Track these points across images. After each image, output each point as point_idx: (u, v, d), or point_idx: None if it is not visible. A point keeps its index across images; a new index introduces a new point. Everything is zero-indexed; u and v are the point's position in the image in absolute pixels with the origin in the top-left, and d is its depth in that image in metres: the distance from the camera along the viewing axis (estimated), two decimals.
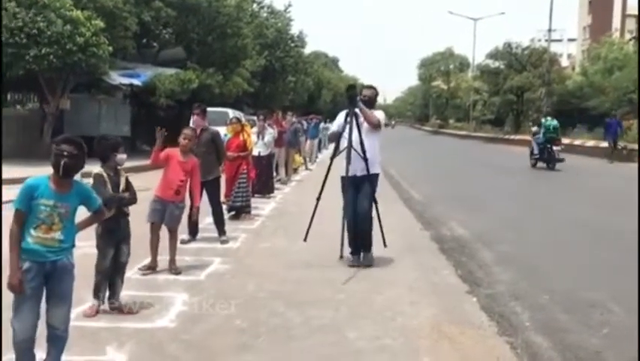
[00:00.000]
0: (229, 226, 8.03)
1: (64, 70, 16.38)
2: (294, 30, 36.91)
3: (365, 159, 6.26)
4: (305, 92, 42.33)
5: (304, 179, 16.28)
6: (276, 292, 5.42)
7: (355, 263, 6.39)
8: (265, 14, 35.13)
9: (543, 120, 21.87)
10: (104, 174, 4.64)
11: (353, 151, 6.24)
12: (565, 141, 31.76)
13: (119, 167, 4.75)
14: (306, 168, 19.08)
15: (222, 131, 8.98)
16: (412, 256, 7.03)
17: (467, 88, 63.88)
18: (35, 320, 3.35)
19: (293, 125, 16.33)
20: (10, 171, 12.09)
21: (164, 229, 6.13)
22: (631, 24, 51.88)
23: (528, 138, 34.12)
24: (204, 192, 7.46)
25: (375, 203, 6.54)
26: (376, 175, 6.55)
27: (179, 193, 6.05)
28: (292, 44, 35.73)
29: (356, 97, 6.36)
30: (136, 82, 20.10)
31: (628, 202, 11.11)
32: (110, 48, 16.84)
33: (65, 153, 3.32)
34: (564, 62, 66.00)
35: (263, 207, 10.53)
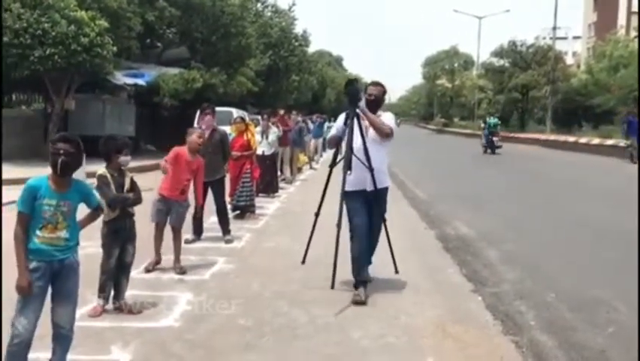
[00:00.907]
0: (233, 225, 8.03)
1: (68, 70, 16.41)
2: (298, 29, 36.94)
3: (370, 169, 5.17)
4: (309, 92, 42.32)
5: (309, 178, 16.29)
6: (280, 291, 5.42)
7: (361, 298, 5.11)
8: (269, 13, 35.12)
9: (488, 119, 29.09)
10: (108, 175, 4.64)
11: (355, 160, 5.16)
12: (570, 139, 31.78)
13: (125, 167, 4.75)
14: (311, 168, 19.09)
15: (226, 130, 8.99)
16: (416, 255, 7.02)
17: (472, 86, 63.80)
18: (36, 321, 3.35)
19: (298, 125, 16.34)
20: (15, 172, 12.14)
21: (168, 228, 6.14)
22: (637, 21, 51.66)
23: (533, 135, 34.03)
24: (209, 192, 7.47)
25: (384, 221, 5.59)
26: (386, 189, 5.55)
27: (184, 192, 6.08)
28: (296, 43, 35.69)
29: (357, 94, 5.23)
30: (140, 82, 20.15)
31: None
32: (115, 48, 16.87)
33: (62, 152, 3.33)
34: (569, 59, 65.82)
35: (267, 206, 10.53)
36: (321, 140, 22.58)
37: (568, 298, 5.48)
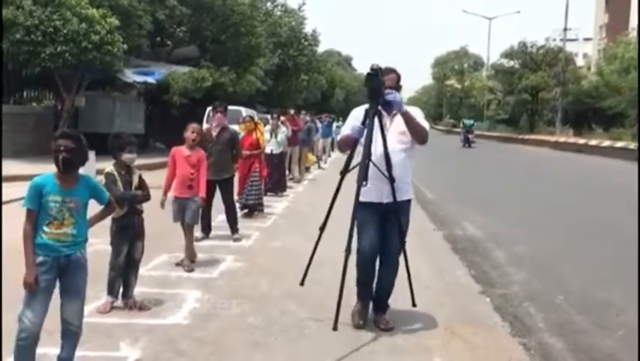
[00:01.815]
0: (242, 224, 8.04)
1: (79, 68, 16.50)
2: (308, 29, 36.94)
3: (390, 180, 4.23)
4: (318, 91, 42.34)
5: (317, 178, 16.29)
6: (288, 290, 5.41)
7: (358, 322, 4.55)
8: (279, 13, 35.15)
9: (464, 121, 37.01)
10: (115, 173, 4.66)
11: (373, 168, 4.22)
12: (580, 141, 31.61)
13: (130, 165, 4.76)
14: (319, 167, 19.08)
15: (236, 130, 9.01)
16: (425, 256, 7.00)
17: (481, 87, 63.64)
18: (44, 315, 3.36)
19: (307, 125, 16.34)
20: (25, 168, 12.22)
21: (172, 227, 6.16)
22: None
23: (542, 137, 33.97)
24: (217, 190, 7.48)
25: (404, 244, 4.56)
26: (408, 202, 4.60)
27: (192, 188, 6.08)
28: (305, 43, 35.69)
29: (380, 87, 4.23)
30: (150, 80, 20.22)
31: None
32: (125, 46, 16.94)
33: (62, 148, 3.34)
34: (579, 61, 65.43)
35: (275, 205, 10.54)
36: (329, 139, 22.60)
37: (577, 300, 5.45)
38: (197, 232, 7.25)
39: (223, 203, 7.62)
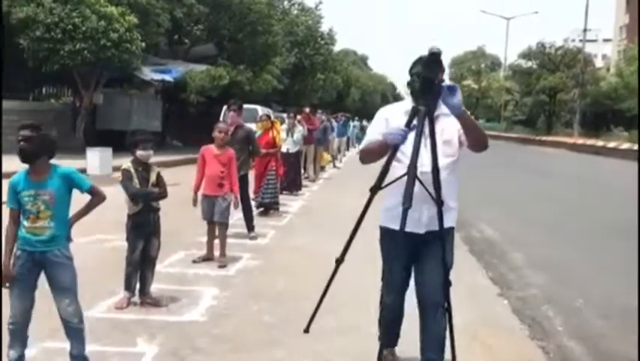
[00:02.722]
0: (258, 222, 8.05)
1: (97, 65, 16.64)
2: (324, 28, 36.90)
3: (438, 202, 3.24)
4: (334, 90, 42.26)
5: (332, 177, 16.28)
6: (305, 289, 5.39)
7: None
8: (296, 11, 35.14)
9: None
10: (132, 169, 4.69)
11: (417, 186, 3.15)
12: (598, 143, 31.28)
13: (148, 162, 4.78)
14: (334, 166, 19.07)
15: (252, 128, 9.02)
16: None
17: (499, 88, 63.20)
18: (25, 306, 3.37)
19: (323, 124, 16.33)
20: None
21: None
22: None
23: (560, 138, 33.70)
24: None
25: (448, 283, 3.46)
26: (451, 230, 3.64)
27: (223, 186, 6.14)
28: (322, 42, 35.65)
29: (435, 77, 3.20)
30: (167, 78, 20.33)
31: None
32: (143, 44, 17.05)
33: (20, 138, 3.30)
34: (599, 62, 64.77)
35: (291, 204, 10.54)
36: (345, 138, 22.61)
37: (597, 304, 5.38)
38: None
39: (239, 201, 7.63)
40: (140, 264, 4.79)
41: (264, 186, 9.23)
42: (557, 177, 18.11)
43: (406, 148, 3.24)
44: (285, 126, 11.47)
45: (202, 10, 21.76)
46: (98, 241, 6.71)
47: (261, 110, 17.75)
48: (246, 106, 17.03)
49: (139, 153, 4.69)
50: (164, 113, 22.70)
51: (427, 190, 3.21)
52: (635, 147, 26.17)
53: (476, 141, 3.45)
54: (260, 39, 23.97)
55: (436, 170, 3.20)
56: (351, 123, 25.24)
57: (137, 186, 4.66)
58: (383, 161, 3.37)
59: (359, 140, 28.83)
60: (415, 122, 3.20)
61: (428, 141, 3.20)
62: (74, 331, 3.47)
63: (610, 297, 5.64)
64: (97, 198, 3.57)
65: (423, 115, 3.19)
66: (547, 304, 5.33)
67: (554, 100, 47.47)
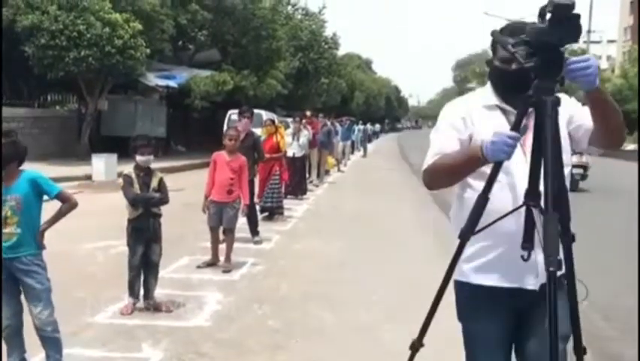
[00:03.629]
0: (262, 226, 8.07)
1: (102, 72, 16.73)
2: (328, 32, 36.97)
3: (567, 236, 2.00)
4: (338, 94, 42.29)
5: (337, 181, 16.29)
6: (309, 293, 5.42)
7: None
8: (299, 16, 35.23)
9: None
10: (133, 175, 4.72)
11: (511, 221, 2.11)
12: None
13: (149, 167, 4.80)
14: (339, 170, 19.09)
15: (256, 133, 9.06)
16: (444, 262, 6.94)
17: None
18: (13, 311, 3.35)
19: (325, 127, 16.35)
20: (49, 170, 12.36)
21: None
22: None
23: None
24: None
25: None
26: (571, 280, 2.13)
27: (232, 193, 6.16)
28: (326, 46, 35.73)
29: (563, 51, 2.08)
30: (172, 84, 20.42)
31: None
32: (147, 50, 17.13)
33: None
34: (603, 64, 64.59)
35: (296, 208, 10.56)
36: (349, 142, 22.63)
37: (601, 306, 5.36)
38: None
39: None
40: (143, 269, 4.81)
41: (267, 190, 9.26)
42: None
43: (513, 165, 2.08)
44: (290, 130, 11.50)
45: (206, 16, 21.85)
46: (104, 247, 6.74)
47: (265, 114, 17.79)
48: None
49: (138, 158, 4.72)
50: (168, 118, 22.78)
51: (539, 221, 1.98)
52: None
53: (615, 130, 2.15)
54: (264, 44, 24.05)
55: (562, 190, 1.97)
56: (356, 127, 25.25)
57: (137, 191, 4.69)
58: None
59: (363, 143, 28.89)
60: (524, 121, 2.03)
61: (521, 151, 2.11)
62: (48, 340, 3.42)
63: (613, 299, 5.62)
64: (67, 204, 3.47)
65: (551, 108, 1.95)
66: None
67: None
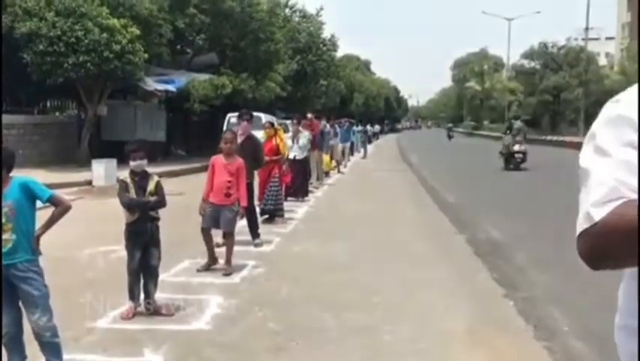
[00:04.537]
0: (263, 229, 8.07)
1: (101, 77, 16.74)
2: (326, 34, 36.99)
3: None
4: (337, 96, 42.32)
5: (336, 183, 16.29)
6: (310, 295, 5.42)
7: None
8: (297, 18, 35.25)
9: (448, 124, 41.94)
10: (128, 180, 4.74)
11: None
12: None
13: (145, 170, 4.80)
14: (339, 172, 19.08)
15: (256, 135, 9.05)
16: (447, 260, 6.96)
17: (502, 89, 63.11)
18: (12, 317, 3.37)
19: (324, 128, 16.35)
20: (49, 177, 12.38)
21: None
22: None
23: (564, 138, 33.62)
24: None
25: None
26: None
27: (230, 196, 6.16)
28: (324, 48, 35.75)
29: None
30: (170, 88, 20.43)
31: None
32: (146, 55, 17.14)
33: None
34: (602, 60, 64.60)
35: (296, 210, 10.56)
36: (348, 144, 22.64)
37: (604, 303, 5.35)
38: (218, 238, 7.30)
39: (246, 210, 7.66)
40: (143, 273, 4.81)
41: (266, 193, 9.25)
42: (562, 177, 18.05)
43: None
44: (289, 134, 11.49)
45: (204, 19, 21.88)
46: (104, 252, 6.75)
47: (264, 117, 17.79)
48: None
49: (130, 163, 4.75)
50: (168, 123, 22.80)
51: None
52: None
53: None
54: (262, 47, 24.06)
55: None
56: (354, 129, 25.27)
57: (133, 195, 4.69)
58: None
59: (363, 144, 28.88)
60: None
61: None
62: (47, 345, 3.43)
63: (617, 296, 5.62)
64: (61, 207, 3.45)
65: None
66: (553, 304, 5.32)
67: (558, 99, 47.44)
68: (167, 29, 19.28)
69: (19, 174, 3.43)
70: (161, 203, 4.79)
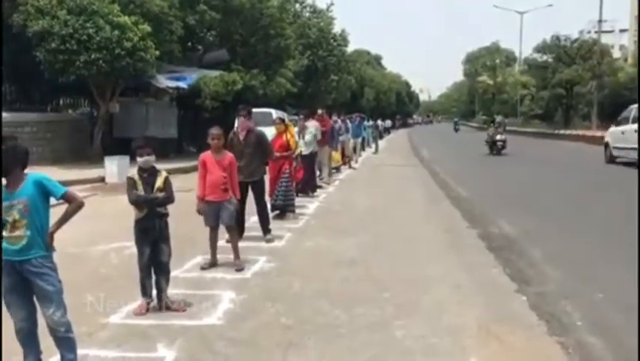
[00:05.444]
0: (274, 225, 8.09)
1: (112, 74, 16.82)
2: (337, 29, 36.92)
3: None
4: (347, 91, 42.26)
5: (347, 178, 16.27)
6: (321, 290, 5.43)
7: None
8: (307, 14, 35.22)
9: (455, 118, 58.73)
10: (136, 176, 4.76)
11: None
12: None
13: (153, 167, 4.82)
14: (350, 167, 19.06)
15: (268, 131, 9.05)
16: (459, 254, 6.94)
17: (514, 83, 62.68)
18: (27, 312, 3.42)
19: (336, 124, 16.31)
20: (63, 174, 12.48)
21: (204, 229, 6.22)
22: None
23: (577, 132, 33.24)
24: (250, 192, 7.54)
25: None
26: None
27: (227, 190, 6.16)
28: (335, 43, 35.67)
29: None
30: (182, 85, 20.50)
31: None
32: (157, 52, 17.21)
33: None
34: (616, 53, 63.94)
35: (307, 206, 10.56)
36: (360, 139, 22.61)
37: (617, 298, 5.32)
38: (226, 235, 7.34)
39: (255, 204, 7.68)
40: (154, 270, 4.83)
41: (277, 188, 9.26)
42: (576, 171, 17.91)
43: None
44: (296, 129, 11.47)
45: (214, 16, 21.91)
46: (117, 249, 6.80)
47: (275, 113, 17.80)
48: (260, 110, 17.19)
49: (138, 159, 4.78)
50: (179, 119, 22.89)
51: None
52: None
53: None
54: (272, 43, 24.07)
55: None
56: (365, 123, 25.22)
57: (141, 192, 4.72)
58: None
59: (375, 139, 28.81)
60: None
61: None
62: (62, 340, 3.47)
63: (630, 291, 5.57)
64: (74, 204, 3.48)
65: None
66: (566, 299, 5.28)
67: (571, 93, 47.00)
68: (177, 26, 19.33)
69: (32, 171, 3.45)
70: (169, 199, 4.80)
